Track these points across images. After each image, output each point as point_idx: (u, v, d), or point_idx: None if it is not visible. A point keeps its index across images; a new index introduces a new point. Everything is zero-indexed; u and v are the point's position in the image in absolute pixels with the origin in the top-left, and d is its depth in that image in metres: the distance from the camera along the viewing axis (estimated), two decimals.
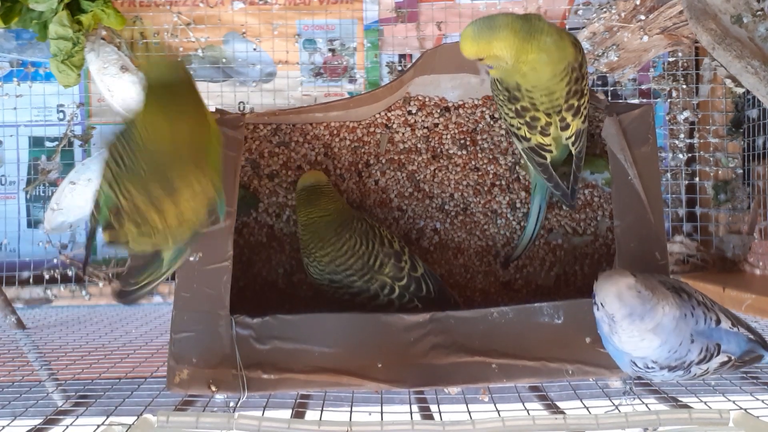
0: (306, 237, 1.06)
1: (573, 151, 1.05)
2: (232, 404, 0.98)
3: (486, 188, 1.18)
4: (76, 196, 1.42)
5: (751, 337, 0.89)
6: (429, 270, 1.07)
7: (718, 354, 0.87)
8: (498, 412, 0.94)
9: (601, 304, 0.82)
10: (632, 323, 0.81)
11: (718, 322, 0.86)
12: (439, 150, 1.18)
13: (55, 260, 1.49)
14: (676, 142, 1.49)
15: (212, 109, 0.99)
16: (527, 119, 1.02)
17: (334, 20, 1.50)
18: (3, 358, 1.18)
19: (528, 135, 1.04)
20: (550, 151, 1.05)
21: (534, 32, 0.95)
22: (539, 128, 1.03)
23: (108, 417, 0.92)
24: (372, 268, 1.04)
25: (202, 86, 1.50)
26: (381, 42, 1.50)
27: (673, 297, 0.84)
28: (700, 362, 0.86)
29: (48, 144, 1.50)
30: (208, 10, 1.50)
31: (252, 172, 1.16)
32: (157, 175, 0.79)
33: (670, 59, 1.49)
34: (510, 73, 0.99)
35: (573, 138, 1.04)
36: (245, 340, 0.93)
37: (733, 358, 0.88)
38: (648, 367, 0.86)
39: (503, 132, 1.18)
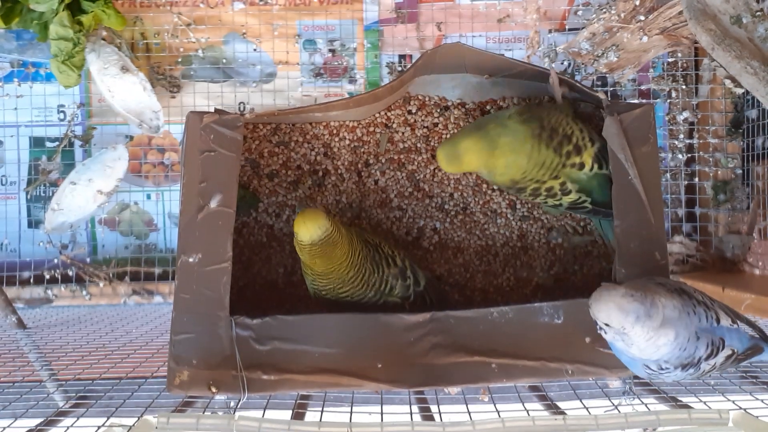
0: (323, 282, 1.01)
1: (607, 172, 1.04)
2: (232, 405, 0.98)
3: (485, 188, 1.18)
4: (77, 197, 1.42)
5: (753, 333, 0.89)
6: (428, 278, 1.08)
7: (723, 348, 0.87)
8: (498, 412, 0.94)
9: (606, 324, 0.82)
10: (643, 326, 0.81)
11: (718, 321, 0.87)
12: None
13: (55, 260, 1.49)
14: (676, 142, 1.49)
15: (212, 109, 1.00)
16: (543, 192, 1.06)
17: (335, 21, 1.50)
18: (4, 358, 1.18)
19: (556, 202, 1.08)
20: (586, 200, 1.07)
21: (495, 141, 1.02)
22: (558, 193, 1.06)
23: (108, 418, 0.92)
24: (384, 293, 1.04)
25: (202, 87, 1.50)
26: (381, 42, 1.50)
27: (672, 297, 0.84)
28: (708, 357, 0.86)
29: (48, 144, 1.50)
30: (209, 11, 1.50)
31: (252, 172, 1.16)
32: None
33: (670, 60, 1.49)
34: (493, 174, 1.05)
35: (596, 165, 1.05)
36: (245, 341, 0.94)
37: (736, 351, 0.88)
38: (662, 369, 0.85)
39: None
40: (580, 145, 1.05)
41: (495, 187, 1.18)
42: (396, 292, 1.03)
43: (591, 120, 1.17)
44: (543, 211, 1.18)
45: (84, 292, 1.47)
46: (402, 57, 1.51)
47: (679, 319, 0.83)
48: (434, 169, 1.18)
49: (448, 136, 1.18)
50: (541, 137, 1.03)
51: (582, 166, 1.05)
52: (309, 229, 0.94)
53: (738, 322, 0.89)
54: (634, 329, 0.81)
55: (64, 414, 0.97)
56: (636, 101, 1.48)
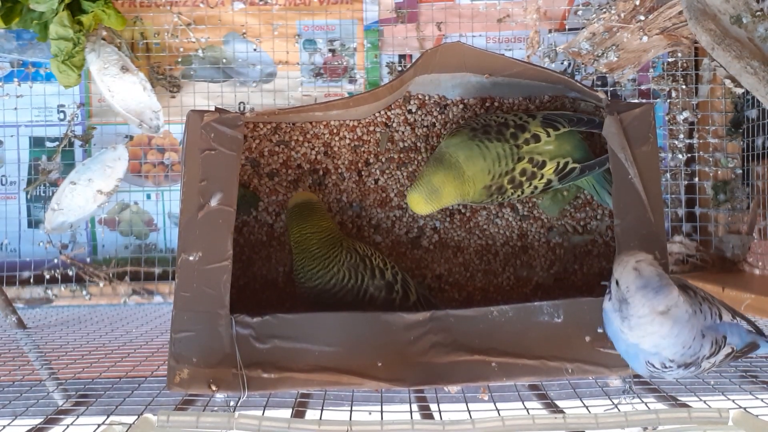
0: (298, 258, 1.06)
1: (569, 129, 1.09)
2: (232, 403, 0.98)
3: None
4: (77, 196, 1.42)
5: (750, 329, 0.90)
6: (421, 292, 1.08)
7: (725, 346, 0.87)
8: (498, 411, 0.94)
9: (617, 281, 0.82)
10: (645, 296, 0.80)
11: (721, 317, 0.87)
12: None
13: (55, 260, 1.49)
14: (676, 142, 1.49)
15: (212, 109, 1.00)
16: (521, 179, 1.08)
17: (334, 20, 1.50)
18: (4, 357, 1.18)
19: (540, 181, 1.09)
20: (567, 161, 1.08)
21: (456, 164, 1.05)
22: (535, 170, 1.08)
23: (108, 416, 0.92)
24: (363, 301, 1.04)
25: (202, 87, 1.50)
26: (381, 42, 1.50)
27: (683, 293, 0.84)
28: (710, 356, 0.86)
29: (48, 144, 1.50)
30: (209, 11, 1.50)
31: (252, 171, 1.16)
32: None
33: (670, 59, 1.49)
34: (467, 195, 1.08)
35: (551, 130, 1.08)
36: (245, 339, 0.94)
37: (735, 349, 0.88)
38: (665, 366, 0.85)
39: None
40: (520, 123, 1.08)
41: None
42: (377, 303, 1.04)
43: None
44: (541, 210, 1.18)
45: (84, 292, 1.47)
46: (402, 57, 1.51)
47: (688, 322, 0.82)
48: None
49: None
50: (476, 137, 1.07)
51: (537, 137, 1.08)
52: (299, 194, 1.12)
53: (737, 318, 0.89)
54: (635, 296, 0.81)
55: (64, 413, 0.97)
56: (636, 101, 1.48)
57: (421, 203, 1.05)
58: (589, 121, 1.09)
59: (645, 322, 0.82)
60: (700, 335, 0.84)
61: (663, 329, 0.82)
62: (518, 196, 1.10)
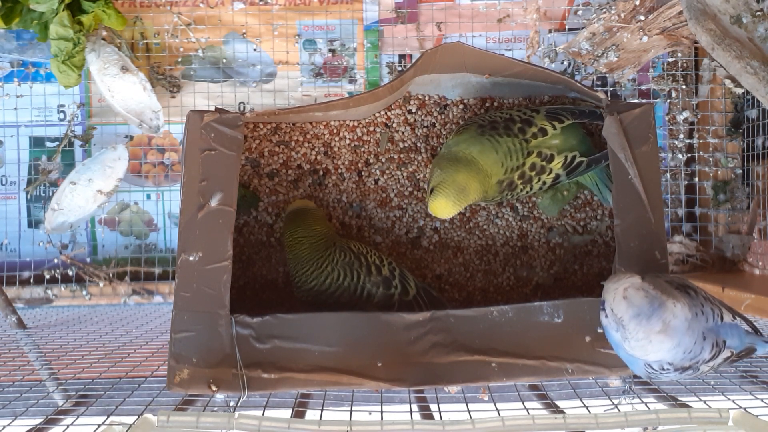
0: (292, 263, 1.07)
1: (573, 121, 1.09)
2: (232, 404, 0.98)
3: None
4: (77, 196, 1.42)
5: (749, 330, 0.89)
6: (422, 286, 1.07)
7: (724, 349, 0.87)
8: (498, 411, 0.94)
9: (611, 309, 0.82)
10: (639, 324, 0.80)
11: (722, 318, 0.86)
12: (438, 149, 1.18)
13: (55, 260, 1.49)
14: (676, 142, 1.49)
15: (212, 109, 1.00)
16: (530, 173, 1.08)
17: (334, 21, 1.50)
18: (3, 357, 1.18)
19: (549, 176, 1.09)
20: (575, 155, 1.09)
21: (474, 160, 1.05)
22: (544, 164, 1.08)
23: (108, 416, 0.92)
24: (360, 299, 1.04)
25: (202, 87, 1.50)
26: (381, 42, 1.50)
27: (683, 296, 0.83)
28: (710, 360, 0.86)
29: (48, 144, 1.50)
30: (209, 11, 1.50)
31: (252, 171, 1.16)
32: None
33: (670, 60, 1.49)
34: (486, 190, 1.07)
35: (556, 123, 1.08)
36: (245, 339, 0.93)
37: (734, 352, 0.88)
38: (664, 369, 0.85)
39: None
40: (525, 118, 1.09)
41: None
42: (375, 300, 1.04)
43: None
44: (541, 210, 1.17)
45: (84, 292, 1.47)
46: (402, 57, 1.51)
47: (687, 329, 0.82)
48: None
49: (448, 135, 1.18)
50: (485, 132, 1.06)
51: (543, 131, 1.08)
52: (296, 202, 1.13)
53: (737, 318, 0.89)
54: (630, 323, 0.81)
55: (64, 413, 0.97)
56: (636, 101, 1.48)
57: (448, 207, 1.02)
58: (592, 113, 1.09)
59: (644, 344, 0.82)
60: (701, 338, 0.83)
61: (665, 345, 0.82)
62: (527, 192, 1.10)
